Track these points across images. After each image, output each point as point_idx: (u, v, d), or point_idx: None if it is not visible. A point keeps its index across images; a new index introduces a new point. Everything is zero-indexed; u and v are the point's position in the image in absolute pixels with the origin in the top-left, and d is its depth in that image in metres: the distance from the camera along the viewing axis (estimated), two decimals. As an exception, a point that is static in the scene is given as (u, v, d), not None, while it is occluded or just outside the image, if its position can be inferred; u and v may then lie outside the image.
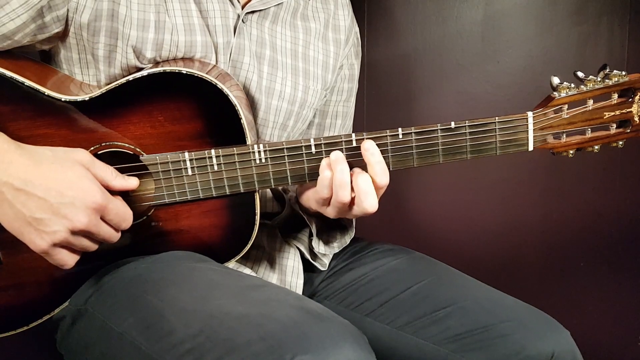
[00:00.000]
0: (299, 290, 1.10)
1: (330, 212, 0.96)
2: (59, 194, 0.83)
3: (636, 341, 1.86)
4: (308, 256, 1.12)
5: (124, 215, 0.90)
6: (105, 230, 0.88)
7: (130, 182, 0.92)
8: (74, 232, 0.85)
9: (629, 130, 1.01)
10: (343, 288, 1.13)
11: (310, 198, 1.00)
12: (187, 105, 0.93)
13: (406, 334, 1.03)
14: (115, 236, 0.90)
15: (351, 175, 0.93)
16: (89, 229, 0.86)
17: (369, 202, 0.92)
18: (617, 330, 1.86)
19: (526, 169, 1.77)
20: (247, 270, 1.06)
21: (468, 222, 1.82)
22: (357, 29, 1.24)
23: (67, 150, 0.88)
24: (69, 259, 0.88)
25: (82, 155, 0.88)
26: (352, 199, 0.93)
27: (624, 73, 0.97)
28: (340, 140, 0.95)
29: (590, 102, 0.98)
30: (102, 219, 0.88)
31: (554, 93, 0.97)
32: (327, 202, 0.95)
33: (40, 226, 0.84)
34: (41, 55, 1.06)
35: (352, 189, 0.93)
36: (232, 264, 1.03)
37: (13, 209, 0.83)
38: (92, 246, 0.89)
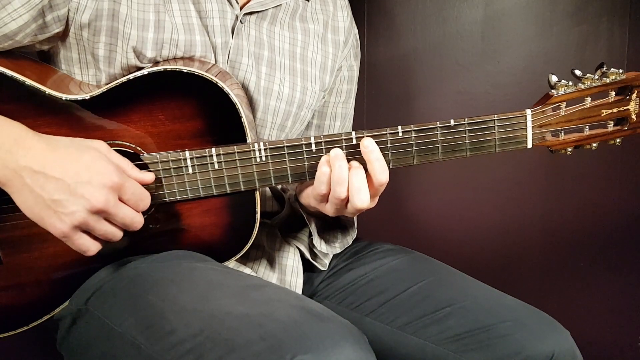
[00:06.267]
0: (299, 290, 1.10)
1: (328, 208, 0.96)
2: (75, 174, 0.84)
3: (636, 341, 1.86)
4: (308, 255, 1.12)
5: (140, 195, 0.90)
6: (125, 212, 0.88)
7: (146, 176, 0.92)
8: (93, 212, 0.85)
9: (626, 128, 1.01)
10: (343, 288, 1.13)
11: (310, 195, 0.99)
12: (188, 103, 0.93)
13: (406, 334, 1.03)
14: (136, 220, 0.90)
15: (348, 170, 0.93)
16: (108, 209, 0.86)
17: (359, 198, 0.92)
18: (617, 330, 1.86)
19: (526, 169, 1.77)
20: (247, 270, 1.06)
21: (468, 222, 1.82)
22: (357, 31, 1.24)
23: (85, 139, 0.89)
24: (91, 245, 0.88)
25: (99, 143, 0.89)
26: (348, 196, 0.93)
27: (621, 71, 0.98)
28: (341, 138, 0.95)
29: (588, 99, 0.99)
30: (120, 199, 0.88)
31: (552, 91, 0.98)
32: (325, 198, 0.95)
33: (59, 208, 0.84)
34: (40, 55, 1.06)
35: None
36: (232, 264, 1.03)
37: (33, 194, 0.84)
38: (114, 231, 0.89)
